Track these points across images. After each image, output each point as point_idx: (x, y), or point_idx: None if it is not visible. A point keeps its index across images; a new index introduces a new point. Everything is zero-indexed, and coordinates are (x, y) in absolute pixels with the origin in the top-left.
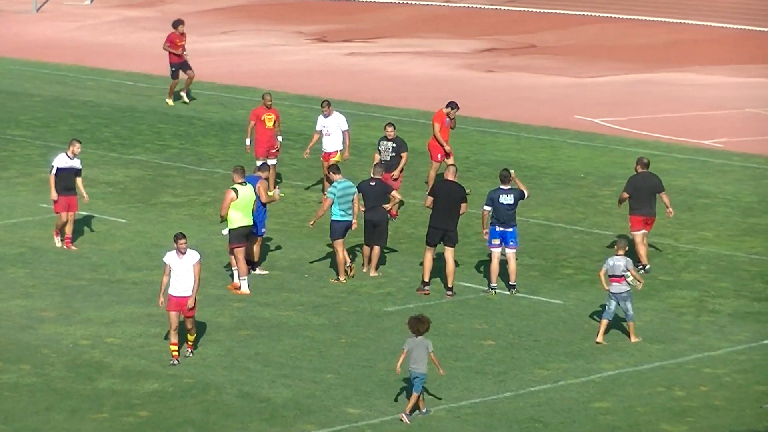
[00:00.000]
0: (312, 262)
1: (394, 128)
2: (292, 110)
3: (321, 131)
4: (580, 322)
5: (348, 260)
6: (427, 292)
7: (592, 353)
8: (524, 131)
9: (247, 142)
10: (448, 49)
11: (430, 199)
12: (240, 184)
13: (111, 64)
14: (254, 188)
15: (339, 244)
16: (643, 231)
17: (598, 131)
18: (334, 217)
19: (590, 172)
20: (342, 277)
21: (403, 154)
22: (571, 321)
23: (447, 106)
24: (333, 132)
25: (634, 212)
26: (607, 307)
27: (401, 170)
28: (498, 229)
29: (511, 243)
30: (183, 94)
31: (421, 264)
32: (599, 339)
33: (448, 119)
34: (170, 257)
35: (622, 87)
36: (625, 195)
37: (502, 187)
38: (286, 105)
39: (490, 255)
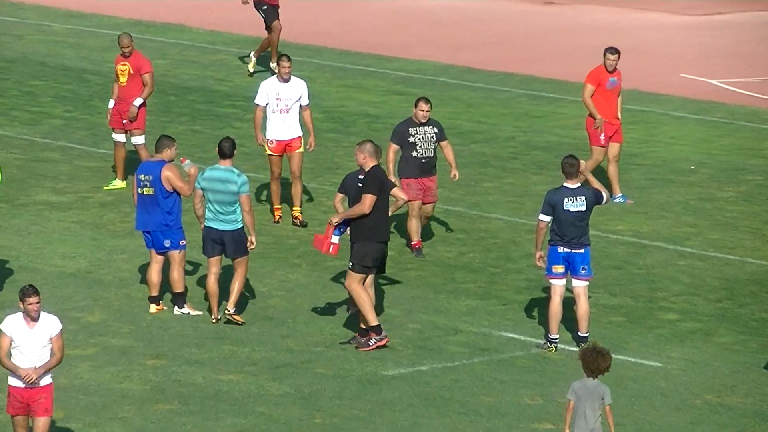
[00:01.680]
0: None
1: (431, 105)
2: (239, 61)
3: (267, 106)
4: (689, 395)
5: (214, 294)
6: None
7: None
8: None
9: (110, 104)
10: None
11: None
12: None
13: None
14: (159, 176)
15: (211, 264)
16: None
17: (718, 99)
18: (207, 223)
19: (704, 161)
20: (214, 317)
21: (447, 144)
22: (675, 394)
23: (607, 53)
24: (292, 107)
25: None
26: None
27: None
28: (562, 250)
29: (581, 272)
30: (253, 57)
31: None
32: None
33: (612, 80)
34: (12, 324)
35: (755, 31)
36: None
37: (567, 185)
38: (221, 50)
39: (548, 290)
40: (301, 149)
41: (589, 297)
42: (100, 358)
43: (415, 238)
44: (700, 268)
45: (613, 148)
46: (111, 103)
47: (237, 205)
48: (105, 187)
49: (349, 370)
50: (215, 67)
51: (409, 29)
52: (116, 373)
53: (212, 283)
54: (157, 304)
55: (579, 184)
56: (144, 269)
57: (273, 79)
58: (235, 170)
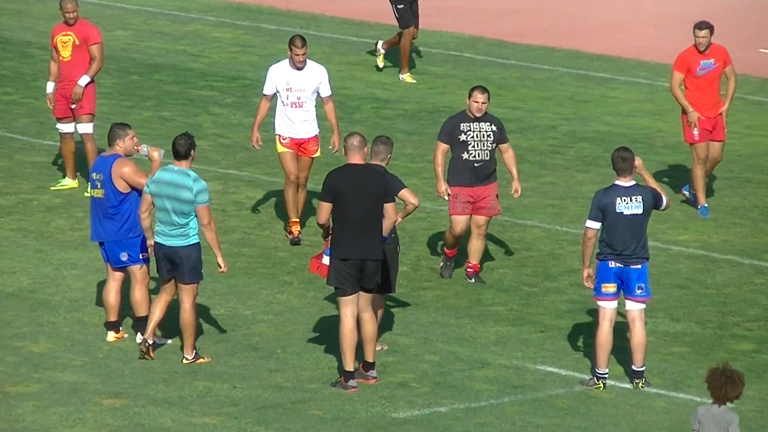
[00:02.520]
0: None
1: (488, 96)
2: (218, 32)
3: (277, 95)
4: None
5: (153, 326)
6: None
7: None
8: (662, 76)
9: (48, 87)
10: None
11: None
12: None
13: None
14: (110, 174)
15: (162, 289)
16: None
17: None
18: (155, 237)
19: None
20: (149, 358)
21: (508, 148)
22: None
23: (695, 29)
24: (306, 100)
25: None
26: None
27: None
28: (613, 265)
29: (637, 291)
30: (381, 48)
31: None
32: None
33: (705, 63)
34: None
35: None
36: None
37: (620, 183)
38: (194, 19)
39: (595, 314)
40: (318, 153)
41: (647, 323)
42: (46, 397)
43: (450, 250)
44: None
45: (712, 148)
46: (50, 87)
47: (192, 216)
48: (52, 188)
49: (352, 412)
50: (188, 40)
51: None
52: (66, 415)
53: (159, 310)
54: (116, 332)
55: (634, 182)
56: (101, 288)
57: (284, 64)
58: (191, 173)
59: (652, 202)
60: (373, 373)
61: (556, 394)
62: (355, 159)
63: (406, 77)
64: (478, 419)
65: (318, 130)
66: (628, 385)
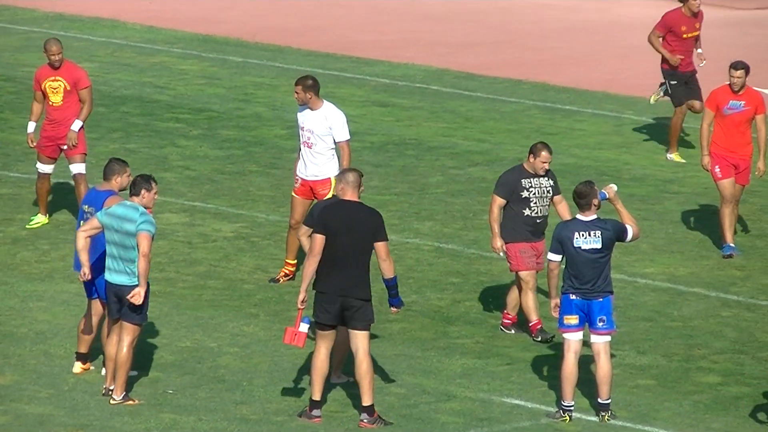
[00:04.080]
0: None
1: (551, 152)
2: (184, 64)
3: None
4: None
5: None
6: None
7: None
8: (629, 109)
9: (30, 127)
10: None
11: None
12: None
13: None
14: (101, 208)
15: (112, 329)
16: None
17: None
18: (106, 276)
19: (756, 189)
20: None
21: (561, 200)
22: None
23: (730, 69)
24: (316, 141)
25: None
26: None
27: None
28: (574, 297)
29: (599, 324)
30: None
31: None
32: None
33: (735, 104)
34: None
35: None
36: None
37: (581, 217)
38: (161, 51)
39: (561, 346)
40: (330, 196)
41: (612, 356)
42: (12, 429)
43: (534, 317)
44: (748, 320)
45: (736, 188)
46: (31, 127)
47: (134, 251)
48: (27, 226)
49: None
50: (154, 72)
51: (393, 26)
52: None
53: (111, 349)
54: (84, 363)
55: (595, 216)
56: (66, 320)
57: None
58: (140, 208)
59: (614, 236)
60: (319, 412)
61: (522, 426)
62: (349, 195)
63: (674, 156)
64: None
65: (331, 174)
66: (595, 418)
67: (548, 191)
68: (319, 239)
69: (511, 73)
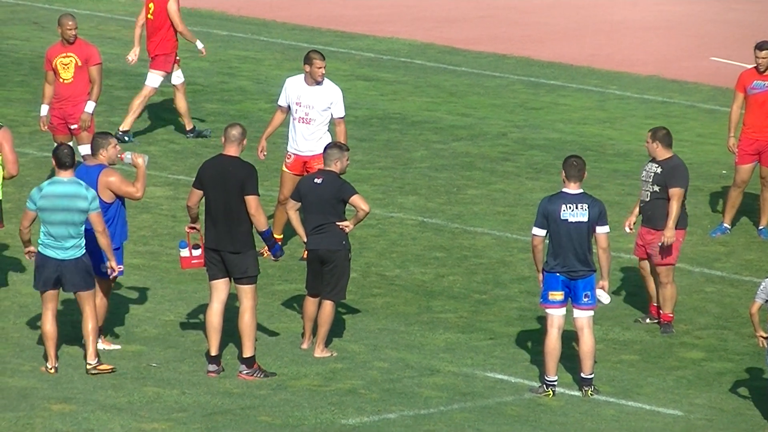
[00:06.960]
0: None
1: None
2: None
3: (289, 108)
4: None
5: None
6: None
7: None
8: (613, 84)
9: (42, 110)
10: None
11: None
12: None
13: None
14: (96, 185)
15: (46, 300)
16: None
17: None
18: (42, 250)
19: None
20: (49, 366)
21: (676, 191)
22: None
23: (755, 50)
24: (315, 117)
25: None
26: None
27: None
28: (560, 273)
29: (584, 299)
30: None
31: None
32: None
33: (759, 84)
34: None
35: None
36: None
37: (567, 190)
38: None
39: (544, 321)
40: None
41: (596, 330)
42: None
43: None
44: (731, 295)
45: (762, 170)
46: (44, 110)
47: (83, 227)
48: None
49: (301, 419)
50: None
51: (378, 0)
52: (14, 420)
53: (50, 324)
54: (103, 338)
55: (581, 191)
56: None
57: (299, 78)
58: (81, 183)
59: (597, 215)
60: (215, 367)
61: (505, 401)
62: (227, 150)
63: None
64: (427, 426)
65: None
66: (578, 393)
67: (653, 179)
68: (193, 192)
69: (495, 48)
